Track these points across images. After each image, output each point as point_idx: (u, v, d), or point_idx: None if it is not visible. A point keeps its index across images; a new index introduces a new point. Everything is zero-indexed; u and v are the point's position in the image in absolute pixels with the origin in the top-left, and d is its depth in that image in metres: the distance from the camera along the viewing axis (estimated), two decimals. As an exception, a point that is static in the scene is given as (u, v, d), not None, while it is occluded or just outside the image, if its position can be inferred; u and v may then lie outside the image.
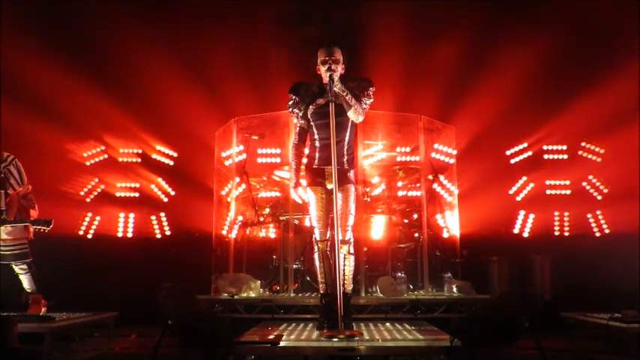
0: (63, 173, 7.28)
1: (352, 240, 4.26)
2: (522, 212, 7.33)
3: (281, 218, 6.26)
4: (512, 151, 7.53)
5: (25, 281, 5.00)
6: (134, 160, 7.65)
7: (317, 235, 4.28)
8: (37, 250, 5.15)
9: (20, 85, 6.47)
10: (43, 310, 4.96)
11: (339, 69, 4.19)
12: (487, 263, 6.41)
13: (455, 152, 6.73)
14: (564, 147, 7.48)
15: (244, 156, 6.63)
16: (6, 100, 6.02)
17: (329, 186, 4.20)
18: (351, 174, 4.30)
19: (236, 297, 5.46)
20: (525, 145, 7.51)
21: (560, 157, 7.50)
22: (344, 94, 4.10)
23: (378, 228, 6.51)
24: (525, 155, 7.52)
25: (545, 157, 7.51)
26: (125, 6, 6.73)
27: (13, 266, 4.97)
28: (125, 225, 7.47)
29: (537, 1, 6.86)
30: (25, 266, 4.97)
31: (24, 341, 3.75)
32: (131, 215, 7.48)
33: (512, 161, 7.51)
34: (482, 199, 6.83)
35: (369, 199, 6.43)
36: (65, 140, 7.30)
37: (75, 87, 6.87)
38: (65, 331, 4.71)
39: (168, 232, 7.48)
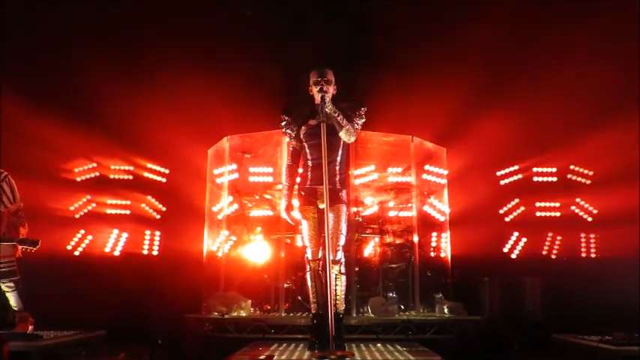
0: (53, 190, 7.20)
1: (343, 260, 4.26)
2: (514, 234, 7.35)
3: (272, 237, 6.25)
4: (502, 172, 7.59)
5: (12, 299, 4.93)
6: (125, 177, 7.61)
7: (309, 255, 4.28)
8: (26, 268, 5.09)
9: (13, 103, 6.47)
10: (30, 328, 4.88)
11: (331, 90, 4.23)
12: (478, 284, 6.42)
13: (446, 173, 6.79)
14: (554, 169, 7.55)
15: (236, 175, 6.64)
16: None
17: (321, 206, 4.21)
18: (343, 194, 4.32)
19: (226, 316, 5.42)
20: (516, 167, 7.57)
21: (550, 179, 7.56)
22: (335, 114, 4.14)
23: (370, 248, 6.53)
24: (515, 177, 7.58)
25: (535, 179, 7.57)
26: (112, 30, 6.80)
27: (0, 284, 4.91)
28: (115, 242, 7.40)
29: (533, 26, 6.95)
30: (11, 284, 4.91)
31: (11, 360, 3.69)
32: (119, 232, 7.40)
33: (503, 182, 7.57)
34: (473, 219, 6.85)
35: (360, 219, 6.44)
36: (56, 157, 7.26)
37: (66, 106, 6.86)
38: (53, 349, 4.63)
39: (158, 250, 7.41)
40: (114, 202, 7.52)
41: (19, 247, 4.83)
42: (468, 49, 6.97)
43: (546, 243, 7.36)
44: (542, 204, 7.48)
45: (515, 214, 7.47)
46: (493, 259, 7.00)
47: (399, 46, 7.19)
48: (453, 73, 6.90)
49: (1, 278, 4.86)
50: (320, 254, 4.25)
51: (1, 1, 6.39)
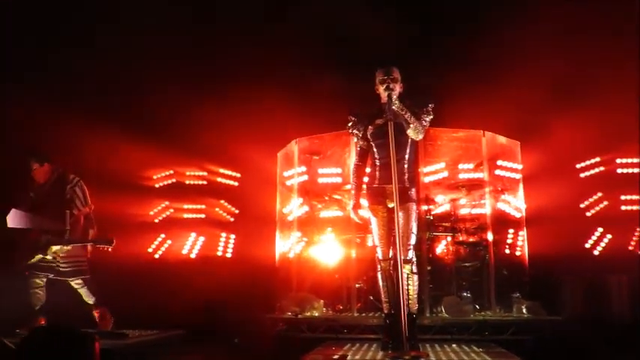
0: (135, 197, 7.60)
1: (414, 259, 4.20)
2: (598, 229, 6.96)
3: (343, 237, 6.27)
4: (582, 165, 7.21)
5: (83, 294, 5.19)
6: (200, 182, 7.92)
7: (379, 255, 4.25)
8: (110, 269, 5.37)
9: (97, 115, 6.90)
10: (110, 325, 5.14)
11: (398, 88, 4.20)
12: (558, 283, 6.13)
13: (520, 167, 6.54)
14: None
15: (306, 177, 6.72)
16: (83, 127, 6.45)
17: (390, 205, 4.17)
18: (413, 192, 4.26)
19: (299, 316, 5.49)
20: (598, 159, 7.17)
21: (636, 170, 7.09)
22: (402, 112, 4.09)
23: (442, 247, 6.41)
24: (597, 170, 7.18)
25: (619, 171, 7.14)
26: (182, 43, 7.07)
27: (70, 282, 5.17)
28: (192, 245, 7.71)
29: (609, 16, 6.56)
30: (80, 281, 5.16)
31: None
32: (196, 236, 7.72)
33: (583, 175, 7.19)
34: (551, 215, 6.55)
35: (431, 218, 6.34)
36: (136, 166, 7.66)
37: (142, 118, 7.21)
38: (138, 348, 4.87)
39: (232, 252, 7.65)
40: (190, 206, 7.84)
41: (90, 247, 5.11)
42: (541, 40, 6.67)
43: (634, 239, 6.91)
44: (628, 197, 7.04)
45: (597, 208, 7.07)
46: (574, 257, 6.65)
47: (466, 40, 6.99)
48: (525, 63, 6.63)
49: (71, 277, 5.11)
50: (391, 254, 4.21)
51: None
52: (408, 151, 4.24)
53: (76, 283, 5.18)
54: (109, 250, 4.99)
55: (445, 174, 6.86)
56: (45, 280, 5.04)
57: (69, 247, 4.98)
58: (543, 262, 6.29)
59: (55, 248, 4.92)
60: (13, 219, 4.76)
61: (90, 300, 5.21)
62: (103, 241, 4.99)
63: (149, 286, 6.82)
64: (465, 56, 6.92)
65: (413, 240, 4.17)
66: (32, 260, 4.93)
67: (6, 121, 6.37)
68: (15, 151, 5.77)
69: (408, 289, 4.11)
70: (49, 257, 4.94)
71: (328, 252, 6.50)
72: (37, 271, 4.97)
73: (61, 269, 5.07)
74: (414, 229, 4.19)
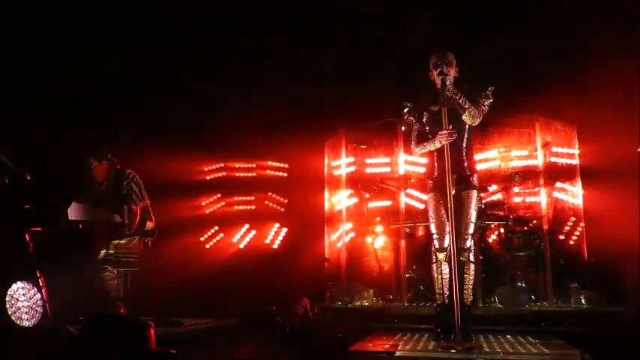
0: (188, 190, 7.80)
1: (473, 248, 4.10)
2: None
3: (392, 227, 6.22)
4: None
5: (121, 285, 5.23)
6: (250, 174, 8.04)
7: (436, 244, 4.15)
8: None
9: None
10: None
11: (452, 72, 4.11)
12: (619, 272, 5.86)
13: (577, 152, 6.28)
14: None
15: (354, 167, 6.69)
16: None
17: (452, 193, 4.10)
18: (474, 179, 4.16)
19: (349, 306, 5.49)
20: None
21: None
22: (456, 97, 3.99)
23: (495, 235, 6.26)
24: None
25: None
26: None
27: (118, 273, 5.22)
28: (243, 236, 7.85)
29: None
30: (125, 273, 5.20)
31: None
32: (248, 227, 7.84)
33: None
34: (610, 203, 6.27)
35: (483, 206, 6.18)
36: (191, 160, 7.85)
37: (193, 114, 7.39)
38: (193, 335, 5.01)
39: (283, 242, 7.73)
40: (240, 198, 7.97)
41: (144, 241, 5.24)
42: (591, 17, 6.36)
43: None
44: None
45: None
46: (637, 245, 6.34)
47: (513, 20, 6.75)
48: (577, 40, 6.35)
49: (120, 267, 5.15)
50: (447, 243, 4.09)
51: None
52: (465, 137, 4.14)
53: (121, 273, 5.32)
54: (150, 241, 5.12)
55: (497, 162, 6.68)
56: (115, 272, 5.22)
57: (124, 241, 5.15)
58: (603, 251, 6.03)
59: (114, 242, 5.11)
60: (75, 212, 4.94)
61: (121, 293, 5.32)
62: (143, 233, 5.13)
63: (205, 277, 7.01)
64: (515, 37, 6.67)
65: (472, 229, 4.07)
66: (100, 255, 5.12)
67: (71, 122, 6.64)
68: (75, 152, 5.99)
69: (465, 278, 4.03)
70: (111, 251, 5.12)
71: (377, 242, 6.47)
72: (105, 264, 5.16)
73: (118, 260, 5.25)
74: (474, 218, 4.09)
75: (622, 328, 4.83)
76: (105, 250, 5.07)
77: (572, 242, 6.21)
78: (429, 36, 6.60)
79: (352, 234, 6.65)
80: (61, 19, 6.38)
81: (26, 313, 3.71)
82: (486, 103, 4.09)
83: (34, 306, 3.80)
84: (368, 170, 6.99)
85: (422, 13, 6.83)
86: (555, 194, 6.33)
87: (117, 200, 5.14)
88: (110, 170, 5.36)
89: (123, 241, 5.12)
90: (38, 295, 3.79)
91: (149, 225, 5.34)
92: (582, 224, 6.20)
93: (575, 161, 6.30)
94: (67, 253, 4.68)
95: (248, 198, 7.99)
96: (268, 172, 8.01)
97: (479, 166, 6.27)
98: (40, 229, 4.16)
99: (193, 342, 5.20)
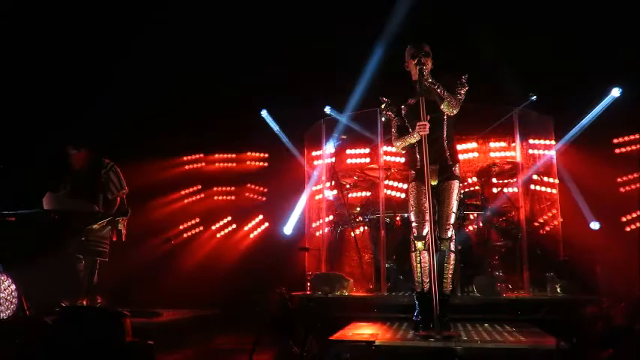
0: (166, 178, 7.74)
1: (454, 237, 4.13)
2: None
3: (372, 217, 6.24)
4: (620, 140, 6.98)
5: (89, 275, 5.15)
6: (229, 164, 7.99)
7: (415, 232, 4.16)
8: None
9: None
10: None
11: (429, 63, 4.11)
12: (593, 262, 5.98)
13: (554, 144, 6.37)
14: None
15: (333, 158, 6.68)
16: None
17: (433, 183, 4.11)
18: (456, 169, 4.18)
19: (330, 295, 5.50)
20: (638, 135, 6.92)
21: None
22: (435, 86, 4.00)
23: (473, 226, 6.32)
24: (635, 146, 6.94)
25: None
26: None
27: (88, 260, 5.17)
28: (223, 227, 7.81)
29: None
30: (95, 261, 5.15)
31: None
32: (230, 219, 7.82)
33: (618, 151, 6.96)
34: (586, 193, 6.38)
35: (462, 196, 6.23)
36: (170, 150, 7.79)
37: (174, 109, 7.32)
38: (170, 326, 4.97)
39: (263, 233, 7.72)
40: (219, 188, 7.92)
41: (116, 230, 5.15)
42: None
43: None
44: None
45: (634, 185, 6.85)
46: (610, 235, 6.47)
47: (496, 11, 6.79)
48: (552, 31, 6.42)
49: (91, 255, 5.10)
50: (425, 231, 4.10)
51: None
52: (445, 128, 4.15)
53: (91, 262, 5.23)
54: (125, 222, 5.06)
55: (475, 154, 6.74)
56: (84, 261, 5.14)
57: (97, 227, 5.08)
58: (578, 240, 6.14)
59: (87, 230, 5.03)
60: (50, 202, 4.86)
61: (90, 283, 5.19)
62: (114, 221, 5.06)
63: (182, 268, 6.97)
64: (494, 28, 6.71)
65: (453, 219, 4.09)
66: (73, 243, 5.04)
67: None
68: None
69: (444, 268, 4.05)
70: (83, 239, 5.05)
71: (357, 232, 6.48)
72: (78, 253, 5.08)
73: (88, 249, 5.16)
74: (455, 208, 4.10)
75: (596, 316, 4.93)
76: (77, 238, 5.00)
77: (548, 233, 6.29)
78: (400, 23, 6.59)
79: (332, 224, 6.66)
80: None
81: (1, 304, 3.65)
82: (462, 91, 4.11)
83: (8, 297, 3.73)
84: (348, 161, 7.00)
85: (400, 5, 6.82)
86: (532, 184, 6.42)
87: (95, 189, 5.07)
88: (89, 159, 5.28)
89: (95, 227, 5.05)
90: (13, 287, 3.72)
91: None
92: (557, 213, 6.29)
93: (552, 152, 6.38)
94: (40, 244, 4.60)
95: (227, 188, 7.94)
96: (248, 162, 7.97)
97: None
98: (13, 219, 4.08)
99: (173, 333, 5.17)
